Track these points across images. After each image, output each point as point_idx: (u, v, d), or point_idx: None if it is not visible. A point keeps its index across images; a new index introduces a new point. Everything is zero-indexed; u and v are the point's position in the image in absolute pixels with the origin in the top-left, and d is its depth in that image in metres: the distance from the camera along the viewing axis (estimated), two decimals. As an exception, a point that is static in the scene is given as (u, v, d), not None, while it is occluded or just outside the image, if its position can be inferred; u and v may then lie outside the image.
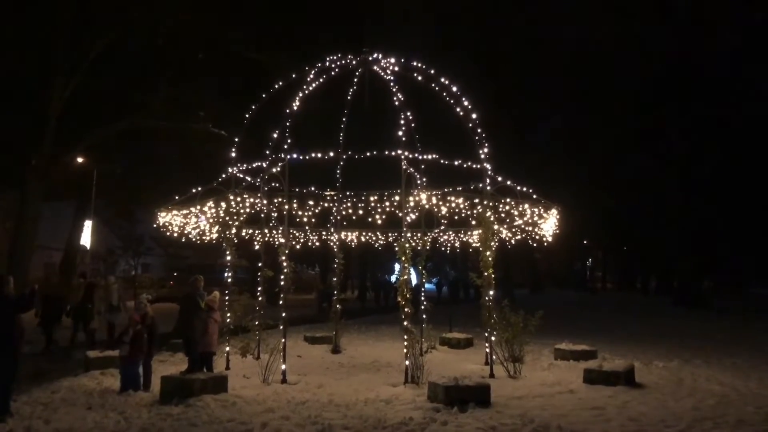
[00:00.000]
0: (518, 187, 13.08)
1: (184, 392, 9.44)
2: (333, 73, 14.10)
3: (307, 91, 13.40)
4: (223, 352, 12.87)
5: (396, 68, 13.71)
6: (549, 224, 14.13)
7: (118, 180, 31.29)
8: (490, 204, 12.62)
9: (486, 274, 12.53)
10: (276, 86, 14.03)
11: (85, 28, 18.37)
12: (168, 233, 15.01)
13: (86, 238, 37.37)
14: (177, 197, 13.99)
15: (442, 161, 12.76)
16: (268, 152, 13.38)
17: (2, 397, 8.62)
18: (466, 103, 13.02)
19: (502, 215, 13.64)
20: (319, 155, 12.88)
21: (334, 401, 9.92)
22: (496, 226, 13.66)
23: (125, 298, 17.50)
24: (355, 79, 14.96)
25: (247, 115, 13.90)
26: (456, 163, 13.04)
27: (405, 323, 11.42)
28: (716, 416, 9.30)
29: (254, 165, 13.71)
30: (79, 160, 21.96)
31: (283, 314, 11.67)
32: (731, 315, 31.00)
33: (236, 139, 14.00)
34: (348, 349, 16.54)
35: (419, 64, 13.51)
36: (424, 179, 12.85)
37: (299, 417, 8.88)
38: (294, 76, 13.98)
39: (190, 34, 18.95)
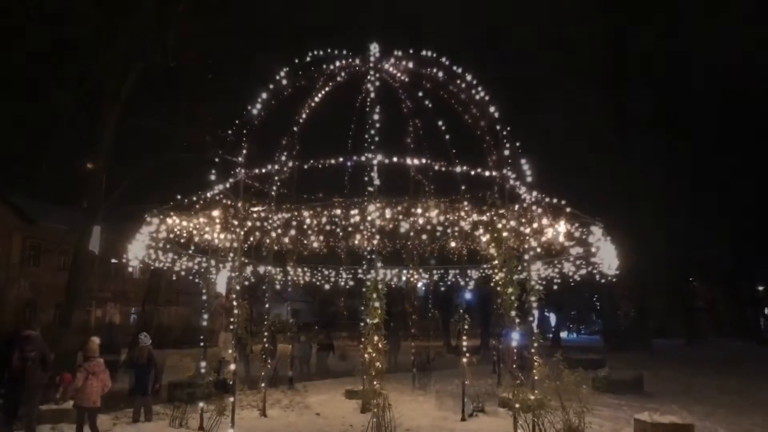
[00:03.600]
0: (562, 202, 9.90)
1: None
2: (339, 78, 12.41)
3: (317, 97, 12.29)
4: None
5: (410, 64, 11.41)
6: (607, 252, 10.60)
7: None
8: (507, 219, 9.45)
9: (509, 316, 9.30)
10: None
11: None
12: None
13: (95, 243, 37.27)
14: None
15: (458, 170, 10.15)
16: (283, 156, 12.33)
17: None
18: (483, 94, 10.28)
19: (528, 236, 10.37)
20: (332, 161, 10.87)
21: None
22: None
23: None
24: (368, 80, 12.72)
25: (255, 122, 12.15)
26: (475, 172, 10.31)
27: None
28: None
29: (264, 169, 11.85)
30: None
31: (232, 366, 9.27)
32: None
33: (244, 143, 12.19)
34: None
35: (432, 53, 11.05)
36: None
37: None
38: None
39: (197, 50, 18.34)
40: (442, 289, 19.17)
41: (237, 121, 11.46)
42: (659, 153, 47.79)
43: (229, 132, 11.91)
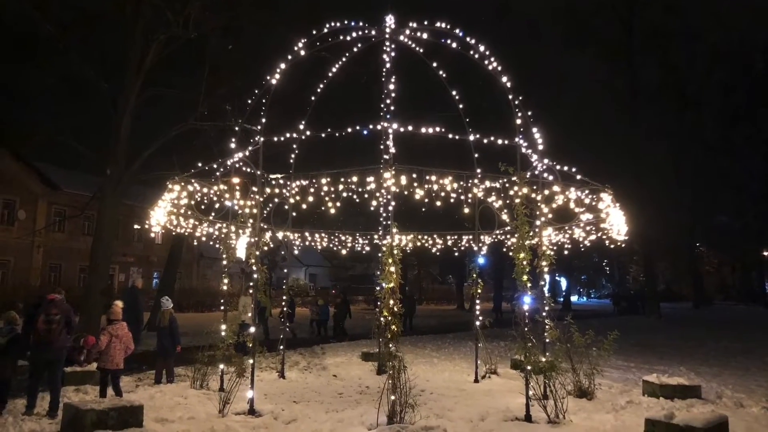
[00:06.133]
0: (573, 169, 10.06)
1: (77, 427, 7.54)
2: (355, 49, 12.24)
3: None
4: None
5: (424, 35, 11.37)
6: (617, 218, 10.78)
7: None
8: (525, 189, 9.62)
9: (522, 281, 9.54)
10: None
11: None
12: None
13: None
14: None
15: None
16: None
17: None
18: (496, 65, 10.28)
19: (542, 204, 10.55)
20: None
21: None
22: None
23: None
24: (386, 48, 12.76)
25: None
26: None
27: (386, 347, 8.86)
28: None
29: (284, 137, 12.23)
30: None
31: (252, 329, 9.61)
32: None
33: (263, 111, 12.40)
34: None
35: (446, 25, 11.02)
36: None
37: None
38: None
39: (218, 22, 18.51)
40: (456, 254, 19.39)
41: (256, 91, 11.62)
42: (667, 121, 47.83)
43: (249, 101, 12.05)
